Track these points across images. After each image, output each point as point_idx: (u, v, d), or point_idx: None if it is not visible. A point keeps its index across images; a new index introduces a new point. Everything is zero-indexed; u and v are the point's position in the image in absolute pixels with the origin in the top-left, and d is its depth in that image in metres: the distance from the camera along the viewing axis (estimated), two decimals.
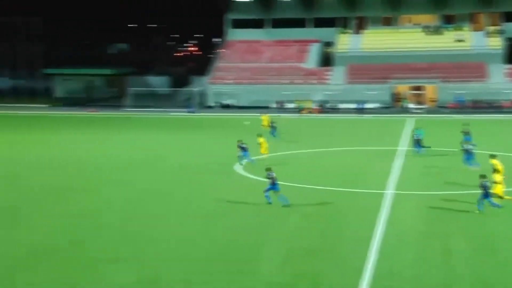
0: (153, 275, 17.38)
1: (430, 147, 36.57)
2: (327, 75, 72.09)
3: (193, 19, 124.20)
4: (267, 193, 24.74)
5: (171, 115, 62.64)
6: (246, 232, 21.50)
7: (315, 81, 71.01)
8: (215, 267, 18.00)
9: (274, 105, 66.55)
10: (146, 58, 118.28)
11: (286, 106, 66.38)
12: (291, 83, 70.13)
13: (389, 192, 27.09)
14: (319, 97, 67.18)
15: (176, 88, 78.61)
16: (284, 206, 24.29)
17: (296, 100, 66.71)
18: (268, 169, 24.77)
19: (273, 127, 43.43)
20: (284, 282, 16.93)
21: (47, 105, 68.70)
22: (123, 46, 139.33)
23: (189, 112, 64.42)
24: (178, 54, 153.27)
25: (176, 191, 27.91)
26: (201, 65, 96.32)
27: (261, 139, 35.02)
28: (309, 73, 72.45)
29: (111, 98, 76.59)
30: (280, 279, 17.09)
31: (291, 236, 21.13)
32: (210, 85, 71.06)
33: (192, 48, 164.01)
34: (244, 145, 33.10)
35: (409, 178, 30.27)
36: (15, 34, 68.21)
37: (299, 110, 63.11)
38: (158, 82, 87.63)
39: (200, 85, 73.04)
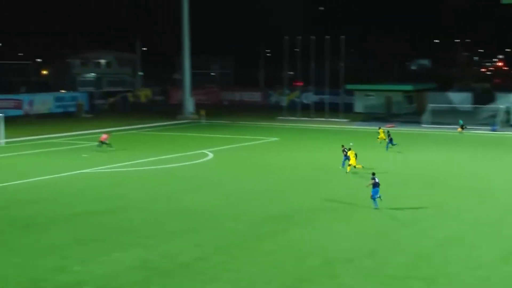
0: None
1: None
2: None
3: (500, 33, 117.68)
4: (374, 196, 26.58)
5: (473, 132, 59.98)
6: None
7: None
8: None
9: None
10: (448, 73, 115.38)
11: None
12: None
13: None
14: None
15: (479, 105, 75.04)
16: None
17: None
18: (374, 173, 27.27)
19: (390, 139, 46.00)
20: None
21: (347, 120, 71.26)
22: (424, 61, 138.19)
23: (492, 130, 61.01)
24: (483, 70, 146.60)
25: (472, 214, 26.52)
26: (508, 80, 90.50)
27: (350, 152, 36.21)
28: None
29: (410, 114, 76.24)
30: None
31: None
32: None
33: (499, 63, 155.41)
34: (346, 150, 37.01)
35: None
36: (321, 52, 72.29)
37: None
38: (459, 98, 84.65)
39: (507, 102, 68.64)
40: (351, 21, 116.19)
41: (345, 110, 74.61)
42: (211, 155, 44.28)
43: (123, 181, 34.21)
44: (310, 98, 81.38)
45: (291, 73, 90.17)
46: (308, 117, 72.88)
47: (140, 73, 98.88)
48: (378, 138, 48.64)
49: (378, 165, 39.81)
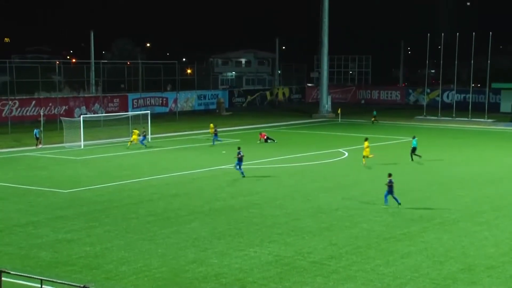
0: None
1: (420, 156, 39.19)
2: None
3: None
4: (237, 167, 34.20)
5: None
6: None
7: None
8: None
9: None
10: None
11: None
12: None
13: None
14: None
15: None
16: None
17: None
18: (239, 148, 34.72)
19: (215, 134, 48.55)
20: None
21: (492, 120, 67.88)
22: None
23: None
24: None
25: None
26: None
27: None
28: None
29: None
30: None
31: None
32: None
33: None
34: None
35: None
36: (466, 49, 69.33)
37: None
38: None
39: None
40: (501, 16, 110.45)
41: (490, 110, 71.07)
42: (346, 154, 43.99)
43: (259, 178, 34.86)
44: (451, 97, 78.36)
45: (433, 71, 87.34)
46: (449, 117, 70.20)
47: (278, 72, 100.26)
48: (210, 132, 50.94)
49: None
